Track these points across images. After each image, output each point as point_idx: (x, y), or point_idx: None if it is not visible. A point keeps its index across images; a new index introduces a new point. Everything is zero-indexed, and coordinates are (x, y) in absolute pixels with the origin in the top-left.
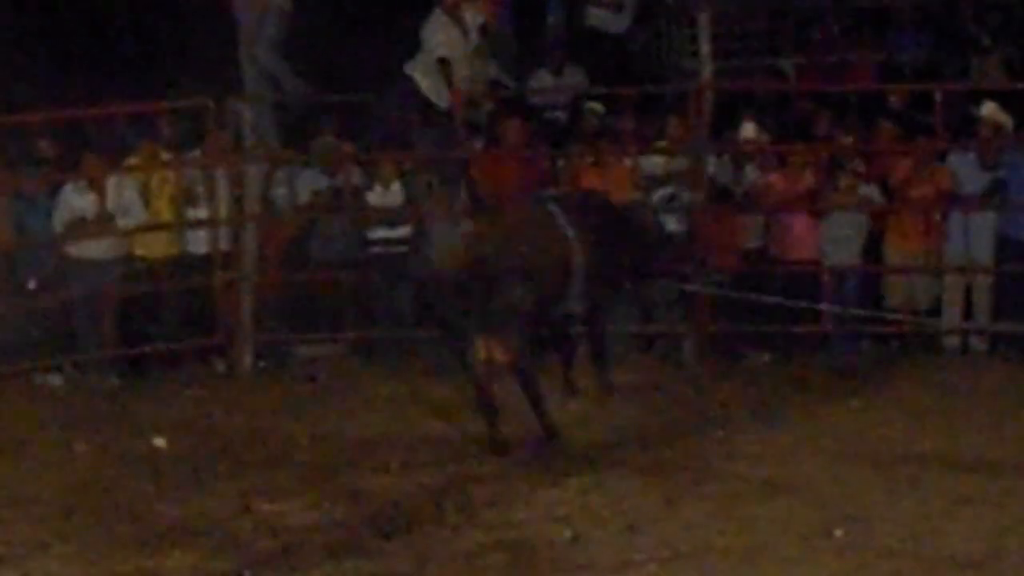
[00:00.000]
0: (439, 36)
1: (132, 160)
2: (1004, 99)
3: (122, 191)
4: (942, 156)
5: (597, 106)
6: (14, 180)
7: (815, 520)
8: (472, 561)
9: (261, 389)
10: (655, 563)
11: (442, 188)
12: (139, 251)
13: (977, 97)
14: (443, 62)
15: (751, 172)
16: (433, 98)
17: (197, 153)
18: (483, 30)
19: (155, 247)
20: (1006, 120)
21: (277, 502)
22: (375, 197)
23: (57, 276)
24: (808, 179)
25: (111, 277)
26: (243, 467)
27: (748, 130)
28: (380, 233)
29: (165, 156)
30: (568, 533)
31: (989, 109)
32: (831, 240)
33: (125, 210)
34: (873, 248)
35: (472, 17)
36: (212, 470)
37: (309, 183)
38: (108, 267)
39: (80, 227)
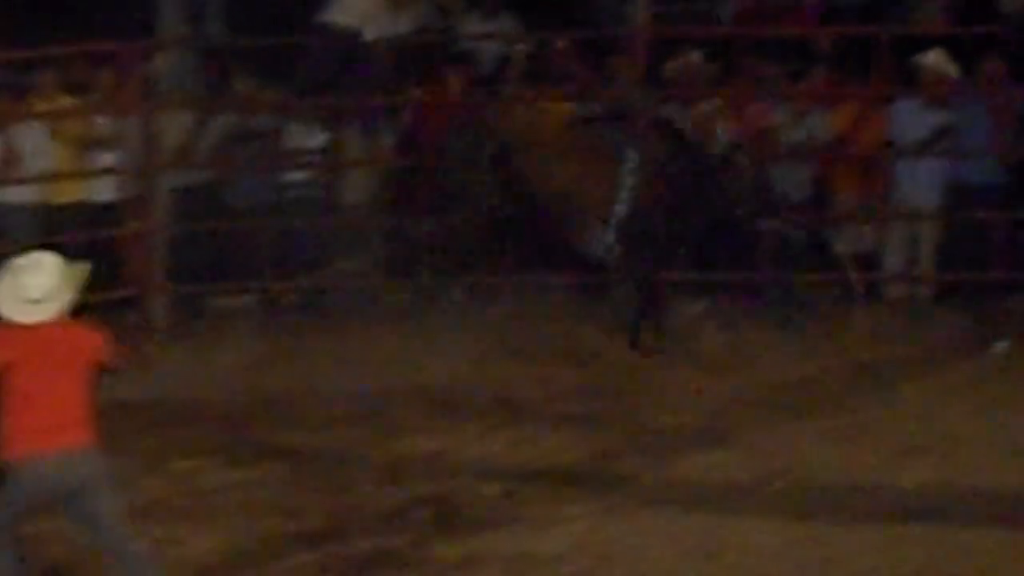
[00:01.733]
0: None
1: (40, 105)
2: (948, 45)
3: (30, 136)
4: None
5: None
6: None
7: (752, 471)
8: (397, 518)
9: (174, 342)
10: (587, 518)
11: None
12: (48, 198)
13: (921, 43)
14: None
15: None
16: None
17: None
18: None
19: (62, 194)
20: (950, 67)
21: (190, 460)
22: (296, 140)
23: None
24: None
25: (25, 224)
26: (156, 424)
27: (694, 56)
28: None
29: (70, 101)
30: (498, 488)
31: (932, 57)
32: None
33: (36, 156)
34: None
35: None
36: (123, 426)
37: (224, 128)
38: (22, 213)
39: None
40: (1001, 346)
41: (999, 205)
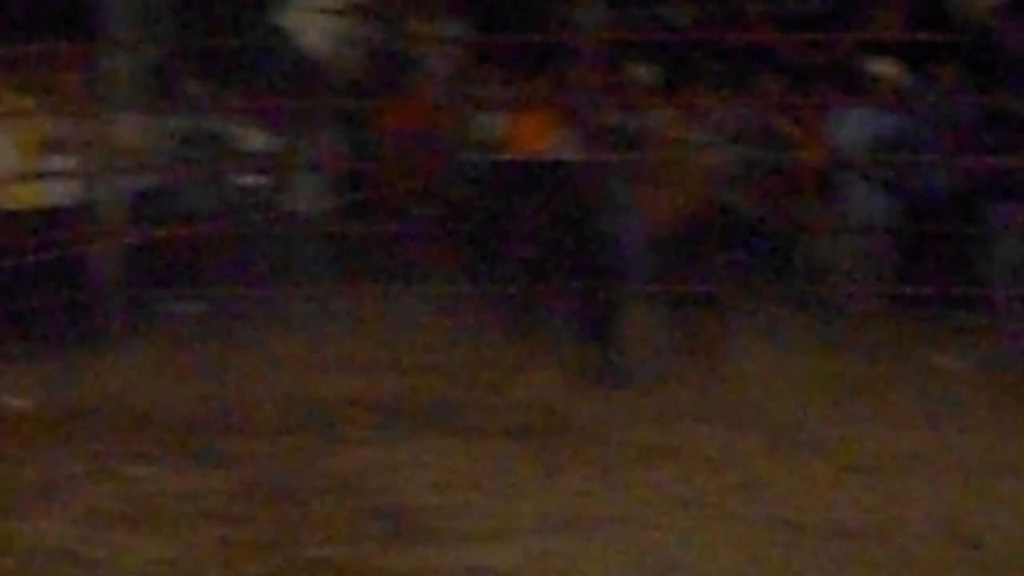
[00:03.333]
0: None
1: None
2: (901, 51)
3: None
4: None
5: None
6: None
7: (701, 488)
8: (346, 529)
9: (127, 349)
10: (536, 533)
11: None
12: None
13: (874, 49)
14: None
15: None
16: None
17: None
18: None
19: (15, 199)
20: (898, 75)
21: (139, 466)
22: (246, 144)
23: None
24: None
25: None
26: (106, 429)
27: (638, 70)
28: (248, 181)
29: (25, 102)
30: (443, 500)
31: (881, 65)
32: None
33: None
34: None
35: None
36: (73, 432)
37: (173, 129)
38: None
39: None
40: (949, 359)
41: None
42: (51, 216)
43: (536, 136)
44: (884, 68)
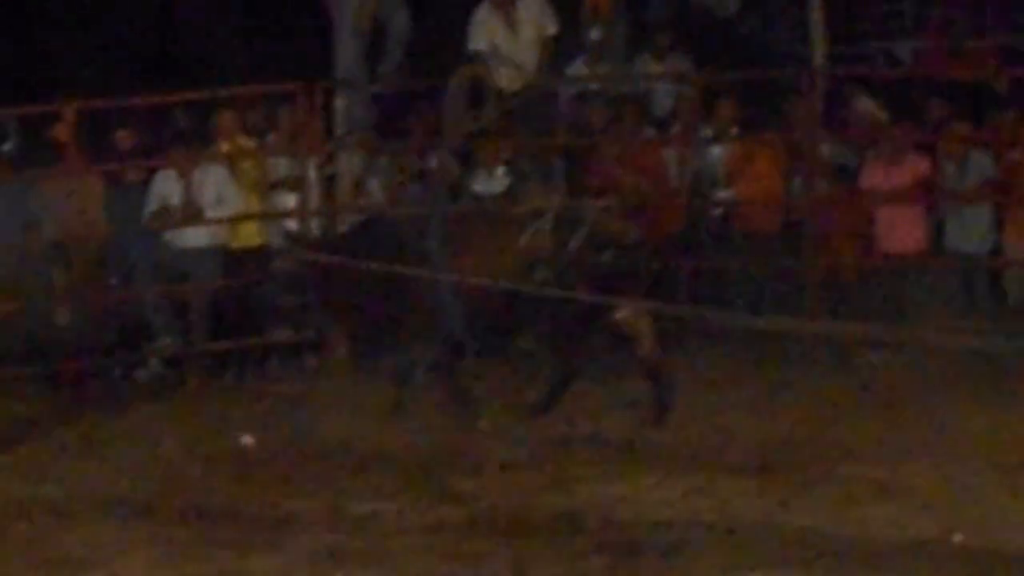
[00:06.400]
0: (478, 29)
1: (221, 146)
2: None
3: (212, 179)
4: None
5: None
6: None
7: (932, 525)
8: (572, 565)
9: (353, 386)
10: (762, 569)
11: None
12: (232, 242)
13: None
14: (477, 55)
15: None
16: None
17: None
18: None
19: (243, 237)
20: None
21: (369, 503)
22: (479, 184)
23: (152, 266)
24: (921, 168)
25: (207, 268)
26: (334, 467)
27: (865, 103)
28: None
29: (247, 142)
30: (672, 537)
31: None
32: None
33: (219, 199)
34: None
35: (526, 12)
36: (302, 470)
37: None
38: (204, 257)
39: (166, 216)
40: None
41: None
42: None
43: (763, 170)
44: None
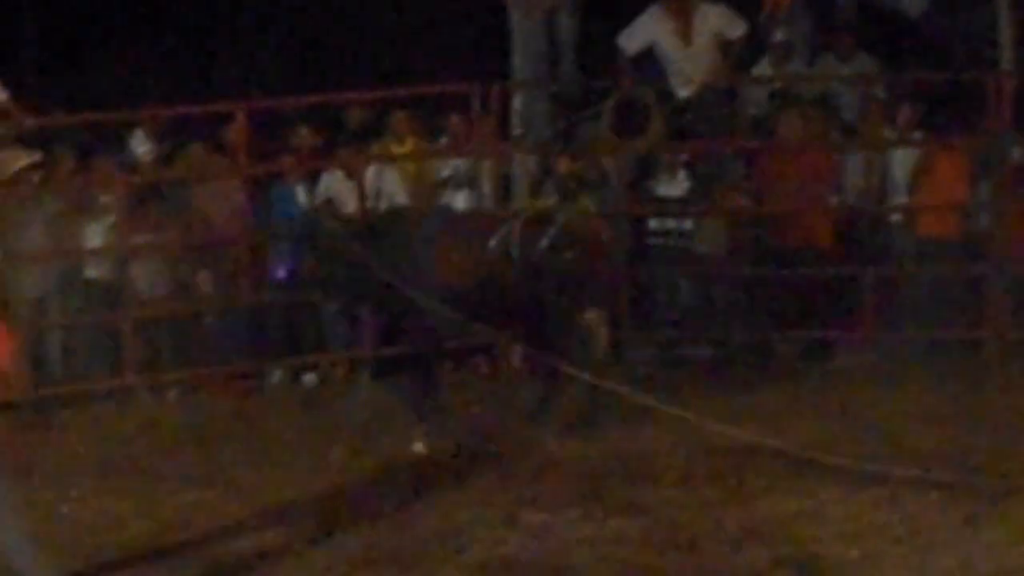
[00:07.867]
0: (637, 29)
1: (393, 147)
2: None
3: (382, 178)
4: None
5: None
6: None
7: None
8: None
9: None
10: None
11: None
12: None
13: None
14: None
15: None
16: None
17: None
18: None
19: None
20: None
21: (543, 513)
22: (661, 188)
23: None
24: None
25: None
26: (510, 475)
27: None
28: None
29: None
30: (857, 552)
31: None
32: None
33: (390, 198)
34: None
35: (704, 20)
36: (475, 478)
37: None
38: None
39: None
40: None
41: None
42: None
43: (947, 175)
44: None
